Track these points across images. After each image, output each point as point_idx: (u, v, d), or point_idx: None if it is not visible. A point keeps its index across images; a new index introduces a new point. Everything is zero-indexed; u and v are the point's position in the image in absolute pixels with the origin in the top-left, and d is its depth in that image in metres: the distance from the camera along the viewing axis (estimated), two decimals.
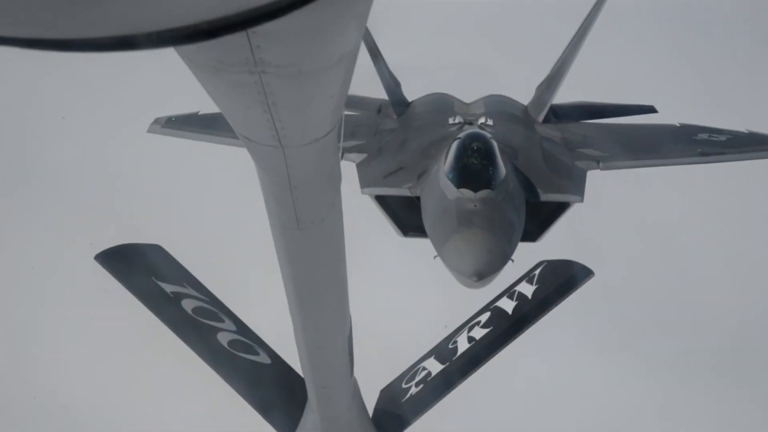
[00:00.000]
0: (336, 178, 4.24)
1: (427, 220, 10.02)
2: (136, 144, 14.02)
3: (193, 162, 14.80)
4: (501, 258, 9.31)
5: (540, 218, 10.51)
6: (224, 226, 15.57)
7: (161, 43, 1.48)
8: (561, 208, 10.50)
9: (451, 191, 9.51)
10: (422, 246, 10.16)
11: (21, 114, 17.92)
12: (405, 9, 13.42)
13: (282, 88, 2.80)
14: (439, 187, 9.77)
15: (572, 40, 11.90)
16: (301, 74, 2.70)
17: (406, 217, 10.65)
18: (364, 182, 10.66)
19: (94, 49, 1.45)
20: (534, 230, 10.45)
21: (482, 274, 9.12)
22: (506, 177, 9.74)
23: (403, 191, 10.52)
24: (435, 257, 9.78)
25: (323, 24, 2.38)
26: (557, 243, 11.03)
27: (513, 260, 9.70)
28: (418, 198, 10.37)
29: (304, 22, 2.27)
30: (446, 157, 9.86)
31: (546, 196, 10.32)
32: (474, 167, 9.63)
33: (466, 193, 9.40)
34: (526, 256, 10.38)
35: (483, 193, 9.36)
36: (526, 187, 10.27)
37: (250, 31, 2.25)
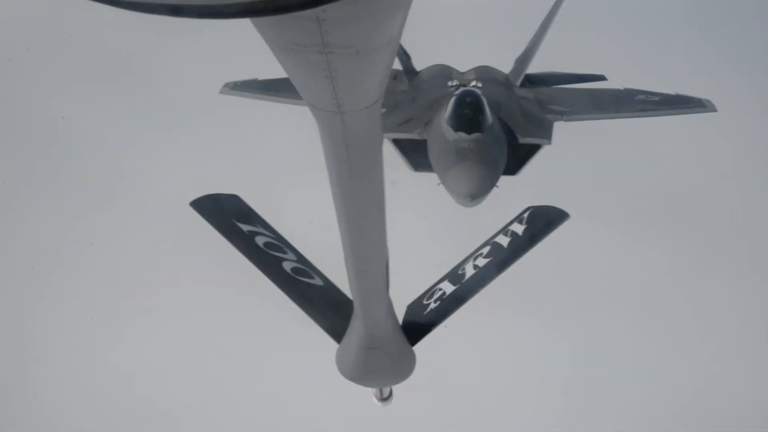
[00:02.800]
0: (379, 137, 4.76)
1: (432, 156, 12.46)
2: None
3: (260, 122, 17.94)
4: (488, 184, 11.81)
5: (518, 157, 12.99)
6: (285, 176, 18.37)
7: (246, 13, 1.96)
8: (534, 149, 13.02)
9: (450, 134, 11.93)
10: (429, 178, 12.60)
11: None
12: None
13: (343, 65, 3.18)
14: (441, 131, 12.17)
15: (542, 24, 14.75)
16: (359, 54, 3.10)
17: (416, 155, 13.08)
18: (384, 129, 12.63)
19: (189, 14, 1.98)
20: (514, 166, 12.92)
21: (474, 196, 11.68)
22: (492, 123, 12.13)
23: (413, 135, 13.00)
24: (438, 184, 12.27)
25: (377, 13, 2.84)
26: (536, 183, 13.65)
27: (498, 186, 12.11)
28: (425, 140, 12.79)
29: (363, 12, 2.75)
30: (446, 108, 12.26)
31: (523, 140, 12.83)
32: (468, 116, 12.01)
33: (462, 135, 11.82)
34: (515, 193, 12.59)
35: (475, 135, 11.80)
36: (508, 132, 12.73)
37: (321, 19, 2.70)
